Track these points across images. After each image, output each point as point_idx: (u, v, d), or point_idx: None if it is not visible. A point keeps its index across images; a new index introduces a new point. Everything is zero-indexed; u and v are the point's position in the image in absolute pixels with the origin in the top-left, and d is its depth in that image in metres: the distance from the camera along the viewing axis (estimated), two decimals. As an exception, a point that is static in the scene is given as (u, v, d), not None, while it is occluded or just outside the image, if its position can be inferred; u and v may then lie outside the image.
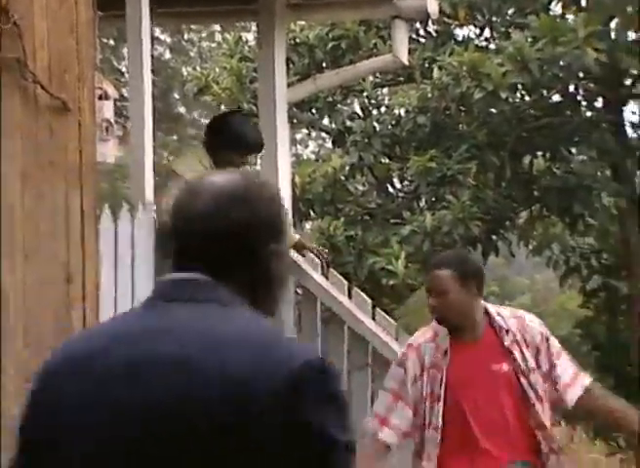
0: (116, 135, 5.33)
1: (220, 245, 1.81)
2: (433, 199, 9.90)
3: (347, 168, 10.27)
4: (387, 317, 6.04)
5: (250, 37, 11.58)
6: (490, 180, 9.77)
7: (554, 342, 4.12)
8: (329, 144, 11.91)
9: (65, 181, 4.20)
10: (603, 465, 11.97)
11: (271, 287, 1.87)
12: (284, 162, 6.26)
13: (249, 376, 1.71)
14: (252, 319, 1.80)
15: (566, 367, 4.12)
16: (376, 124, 10.25)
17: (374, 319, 5.92)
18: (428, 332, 4.17)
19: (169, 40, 20.27)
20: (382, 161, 10.46)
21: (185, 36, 20.38)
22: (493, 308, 4.19)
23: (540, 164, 10.05)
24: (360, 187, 11.12)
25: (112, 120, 5.21)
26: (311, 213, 10.15)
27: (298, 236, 5.48)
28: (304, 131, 11.95)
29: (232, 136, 5.21)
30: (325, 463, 1.70)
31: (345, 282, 6.22)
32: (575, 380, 4.11)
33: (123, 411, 1.77)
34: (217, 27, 17.66)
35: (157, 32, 17.23)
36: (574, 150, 9.95)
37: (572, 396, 4.09)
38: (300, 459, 1.69)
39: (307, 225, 10.95)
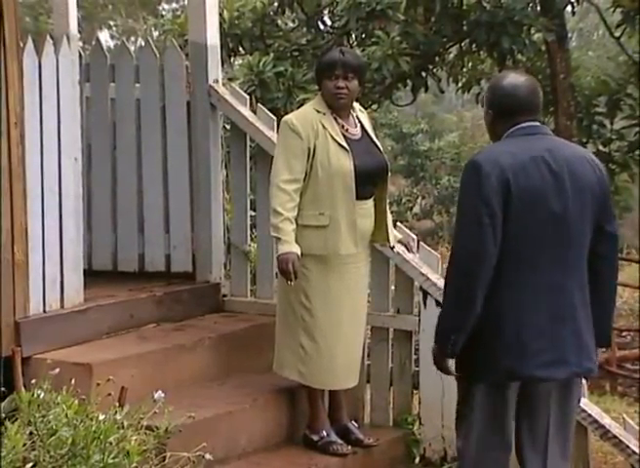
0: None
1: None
2: (363, 35, 9.81)
3: (276, 3, 10.11)
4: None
5: None
6: (419, 15, 9.67)
7: None
8: (257, -21, 11.64)
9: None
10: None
11: None
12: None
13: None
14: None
15: None
16: (304, -43, 10.06)
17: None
18: None
19: None
20: (312, -5, 10.29)
21: None
22: None
23: (470, -2, 9.95)
24: (290, 23, 10.96)
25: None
26: (240, 48, 10.02)
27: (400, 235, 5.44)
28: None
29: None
30: None
31: (274, 117, 6.22)
32: None
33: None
34: None
35: None
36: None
37: None
38: None
39: (237, 61, 10.81)
